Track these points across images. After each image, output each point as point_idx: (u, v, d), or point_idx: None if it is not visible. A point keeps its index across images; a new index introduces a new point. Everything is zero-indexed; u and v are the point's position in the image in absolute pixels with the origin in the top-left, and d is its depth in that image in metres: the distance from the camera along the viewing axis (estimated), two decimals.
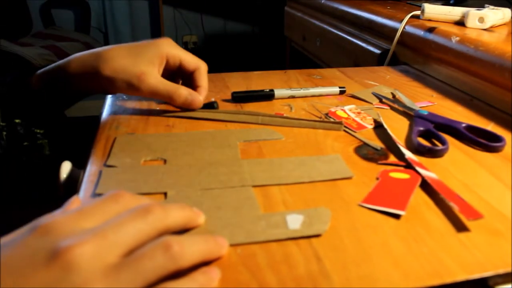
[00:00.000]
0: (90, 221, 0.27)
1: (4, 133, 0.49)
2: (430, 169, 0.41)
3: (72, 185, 0.41)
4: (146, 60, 0.49)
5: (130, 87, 0.49)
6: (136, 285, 0.24)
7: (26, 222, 0.27)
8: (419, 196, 0.37)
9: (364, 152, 0.45)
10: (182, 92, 0.50)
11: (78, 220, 0.27)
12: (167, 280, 0.26)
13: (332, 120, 0.52)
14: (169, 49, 0.50)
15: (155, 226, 0.27)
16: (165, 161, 0.42)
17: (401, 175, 0.40)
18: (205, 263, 0.28)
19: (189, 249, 0.27)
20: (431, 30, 0.73)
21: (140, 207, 0.28)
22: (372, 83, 0.69)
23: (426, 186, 0.38)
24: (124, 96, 0.60)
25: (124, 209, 0.28)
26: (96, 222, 0.27)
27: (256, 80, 0.69)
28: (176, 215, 0.29)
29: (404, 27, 0.81)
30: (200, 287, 0.26)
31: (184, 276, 0.26)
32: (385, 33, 0.88)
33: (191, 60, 0.52)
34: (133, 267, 0.25)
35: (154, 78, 0.49)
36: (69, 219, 0.27)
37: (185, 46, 2.96)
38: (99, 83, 0.49)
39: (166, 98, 0.50)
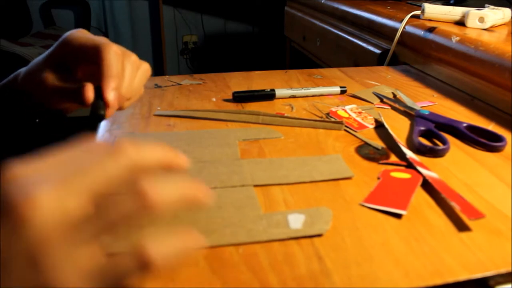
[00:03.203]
0: (52, 164, 0.23)
1: None
2: (431, 168, 0.41)
3: None
4: (44, 59, 0.41)
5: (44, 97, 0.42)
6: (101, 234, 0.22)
7: None
8: (420, 196, 0.37)
9: (365, 151, 0.45)
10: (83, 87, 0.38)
11: (39, 165, 0.23)
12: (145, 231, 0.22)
13: (333, 119, 0.52)
14: (68, 39, 0.40)
15: (128, 169, 0.23)
16: None
17: (402, 174, 0.40)
18: None
19: (165, 193, 0.23)
20: (431, 30, 0.73)
21: (110, 147, 0.24)
22: (373, 83, 0.69)
23: (427, 185, 0.38)
24: None
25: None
26: (59, 165, 0.23)
27: (257, 80, 0.69)
28: (153, 155, 0.25)
29: (404, 27, 0.81)
30: (184, 245, 0.23)
31: (166, 232, 0.23)
32: (385, 33, 0.88)
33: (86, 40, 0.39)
34: (100, 219, 0.22)
35: (49, 77, 0.40)
36: (30, 164, 0.23)
37: (185, 46, 2.96)
38: None
39: (69, 95, 0.40)
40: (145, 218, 0.22)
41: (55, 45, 0.41)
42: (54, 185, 0.21)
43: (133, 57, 0.40)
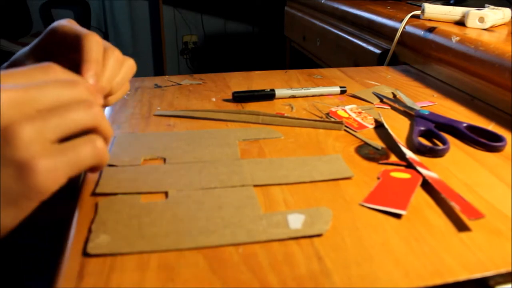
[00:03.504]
0: (14, 81, 0.28)
1: None
2: (431, 168, 0.41)
3: (73, 184, 0.41)
4: (27, 50, 0.42)
5: None
6: (61, 127, 0.28)
7: (24, 220, 0.27)
8: (420, 196, 0.37)
9: (365, 151, 0.45)
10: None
11: (4, 79, 0.28)
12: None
13: (333, 119, 0.52)
14: (54, 25, 0.40)
15: (77, 99, 0.30)
16: (165, 160, 0.42)
17: (402, 174, 0.40)
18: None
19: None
20: (431, 30, 0.73)
21: (66, 79, 0.30)
22: (373, 83, 0.69)
23: (427, 185, 0.38)
24: (125, 96, 0.60)
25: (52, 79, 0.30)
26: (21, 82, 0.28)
27: (257, 80, 0.69)
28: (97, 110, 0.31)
29: (404, 27, 0.81)
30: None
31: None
32: (385, 33, 0.88)
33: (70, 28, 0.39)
34: (54, 117, 0.27)
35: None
36: None
37: (185, 46, 2.96)
38: None
39: None
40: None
41: (41, 35, 0.41)
42: (14, 89, 0.27)
43: (116, 52, 0.39)
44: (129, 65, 0.41)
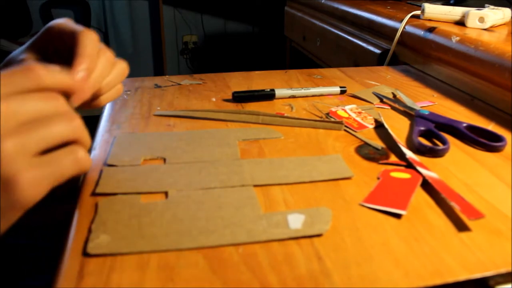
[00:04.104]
0: None
1: None
2: (431, 168, 0.41)
3: (73, 184, 0.41)
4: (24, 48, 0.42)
5: None
6: (42, 140, 0.28)
7: (23, 220, 0.28)
8: (420, 196, 0.37)
9: (365, 151, 0.45)
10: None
11: None
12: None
13: (333, 119, 0.52)
14: (51, 24, 0.40)
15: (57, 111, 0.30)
16: (165, 160, 0.42)
17: (402, 174, 0.40)
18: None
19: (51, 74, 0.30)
20: (431, 30, 0.73)
21: (48, 93, 0.30)
22: (373, 83, 0.69)
23: (427, 185, 0.38)
24: (125, 96, 0.60)
25: (33, 86, 0.30)
26: (3, 90, 0.28)
27: (256, 80, 0.69)
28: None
29: (404, 27, 0.81)
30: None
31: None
32: (385, 33, 0.88)
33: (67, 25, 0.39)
34: (33, 132, 0.28)
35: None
36: None
37: (185, 46, 2.96)
38: None
39: None
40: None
41: (38, 33, 0.41)
42: None
43: (108, 53, 0.39)
44: (121, 67, 0.41)
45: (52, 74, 0.31)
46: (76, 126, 0.31)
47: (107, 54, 0.39)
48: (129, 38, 2.78)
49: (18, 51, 0.42)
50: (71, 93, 0.33)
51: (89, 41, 0.37)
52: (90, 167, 0.32)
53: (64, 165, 0.30)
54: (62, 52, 0.40)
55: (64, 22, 0.40)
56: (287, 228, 0.32)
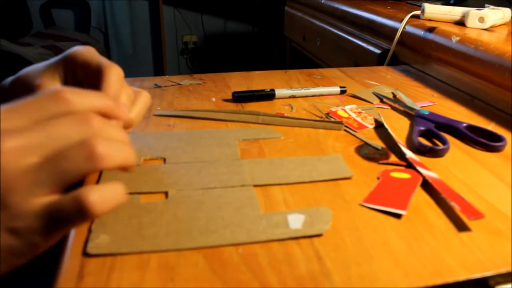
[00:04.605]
0: (22, 119, 0.26)
1: None
2: (431, 168, 0.41)
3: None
4: (44, 69, 0.41)
5: None
6: (55, 185, 0.25)
7: None
8: (420, 196, 0.37)
9: (365, 151, 0.45)
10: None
11: (9, 117, 0.26)
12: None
13: (333, 119, 0.52)
14: (72, 54, 0.39)
15: (88, 137, 0.27)
16: (165, 160, 0.42)
17: (402, 174, 0.40)
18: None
19: (111, 153, 0.27)
20: (431, 30, 0.73)
21: (81, 115, 0.27)
22: (373, 83, 0.69)
23: (427, 185, 0.38)
24: None
25: (64, 112, 0.27)
26: (28, 120, 0.26)
27: (256, 80, 0.69)
28: (116, 132, 0.29)
29: (404, 27, 0.81)
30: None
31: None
32: (385, 33, 0.88)
33: (93, 60, 0.38)
34: (52, 168, 0.25)
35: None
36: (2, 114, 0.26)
37: (185, 46, 2.96)
38: None
39: None
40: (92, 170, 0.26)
41: (57, 57, 0.40)
42: (18, 137, 0.25)
43: (129, 90, 0.38)
44: (145, 98, 0.40)
45: (82, 92, 0.29)
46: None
47: (128, 91, 0.38)
48: (129, 38, 2.78)
49: (31, 70, 0.40)
50: (109, 116, 0.30)
51: (115, 77, 0.36)
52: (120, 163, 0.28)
53: (71, 159, 0.26)
54: (81, 82, 0.39)
55: (88, 52, 0.38)
56: (287, 228, 0.32)
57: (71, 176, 0.26)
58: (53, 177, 0.25)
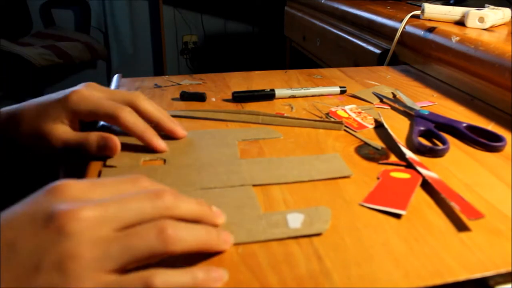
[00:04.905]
0: (100, 193, 0.28)
1: None
2: (431, 168, 0.41)
3: None
4: (51, 121, 0.44)
5: (45, 146, 0.45)
6: (123, 261, 0.25)
7: None
8: (420, 196, 0.37)
9: (365, 151, 0.45)
10: (91, 137, 0.43)
11: (90, 189, 0.27)
12: (161, 267, 0.25)
13: (332, 119, 0.52)
14: (75, 107, 0.43)
15: (161, 212, 0.27)
16: (164, 161, 0.42)
17: (402, 174, 0.40)
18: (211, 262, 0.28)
19: (184, 235, 0.26)
20: (431, 30, 0.73)
21: (153, 190, 0.28)
22: (373, 83, 0.69)
23: (427, 185, 0.38)
24: None
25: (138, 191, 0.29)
26: (105, 195, 0.28)
27: (256, 80, 0.69)
28: (188, 207, 0.29)
29: (404, 27, 0.81)
30: (196, 285, 0.25)
31: (181, 268, 0.26)
32: (385, 33, 0.88)
33: (101, 110, 0.43)
34: (123, 242, 0.25)
35: (60, 134, 0.44)
36: (81, 186, 0.27)
37: (185, 46, 2.96)
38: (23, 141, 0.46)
39: (81, 147, 0.44)
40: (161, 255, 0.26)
41: (57, 100, 0.43)
42: (94, 208, 0.25)
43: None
44: (126, 114, 0.43)
45: (180, 205, 0.29)
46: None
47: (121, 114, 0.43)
48: (129, 38, 2.78)
49: (25, 108, 0.44)
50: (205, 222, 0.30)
51: (130, 120, 0.43)
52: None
53: (143, 237, 0.25)
54: (88, 119, 0.44)
55: (87, 106, 0.43)
56: (286, 228, 0.32)
57: (140, 254, 0.25)
58: (123, 252, 0.25)
